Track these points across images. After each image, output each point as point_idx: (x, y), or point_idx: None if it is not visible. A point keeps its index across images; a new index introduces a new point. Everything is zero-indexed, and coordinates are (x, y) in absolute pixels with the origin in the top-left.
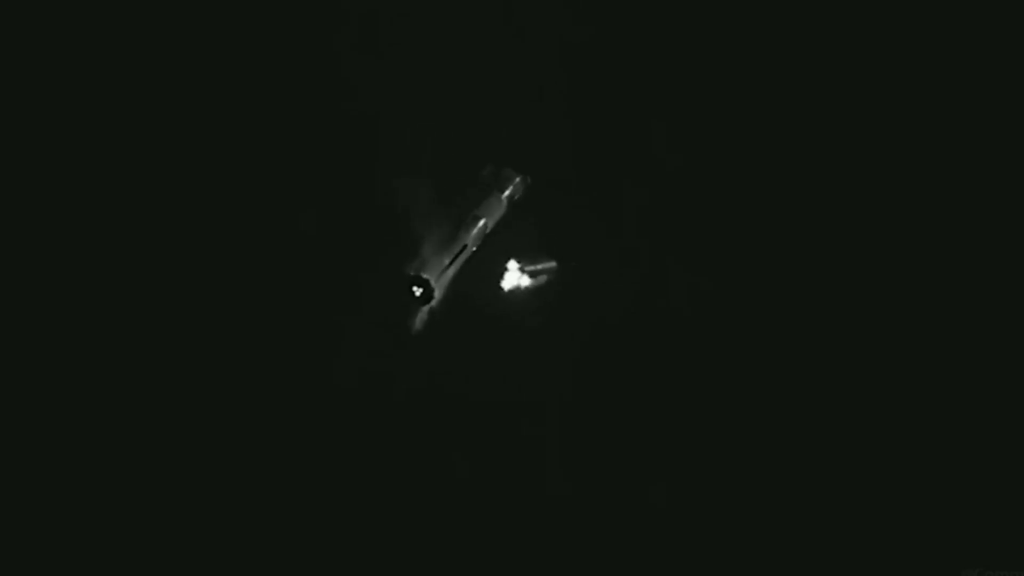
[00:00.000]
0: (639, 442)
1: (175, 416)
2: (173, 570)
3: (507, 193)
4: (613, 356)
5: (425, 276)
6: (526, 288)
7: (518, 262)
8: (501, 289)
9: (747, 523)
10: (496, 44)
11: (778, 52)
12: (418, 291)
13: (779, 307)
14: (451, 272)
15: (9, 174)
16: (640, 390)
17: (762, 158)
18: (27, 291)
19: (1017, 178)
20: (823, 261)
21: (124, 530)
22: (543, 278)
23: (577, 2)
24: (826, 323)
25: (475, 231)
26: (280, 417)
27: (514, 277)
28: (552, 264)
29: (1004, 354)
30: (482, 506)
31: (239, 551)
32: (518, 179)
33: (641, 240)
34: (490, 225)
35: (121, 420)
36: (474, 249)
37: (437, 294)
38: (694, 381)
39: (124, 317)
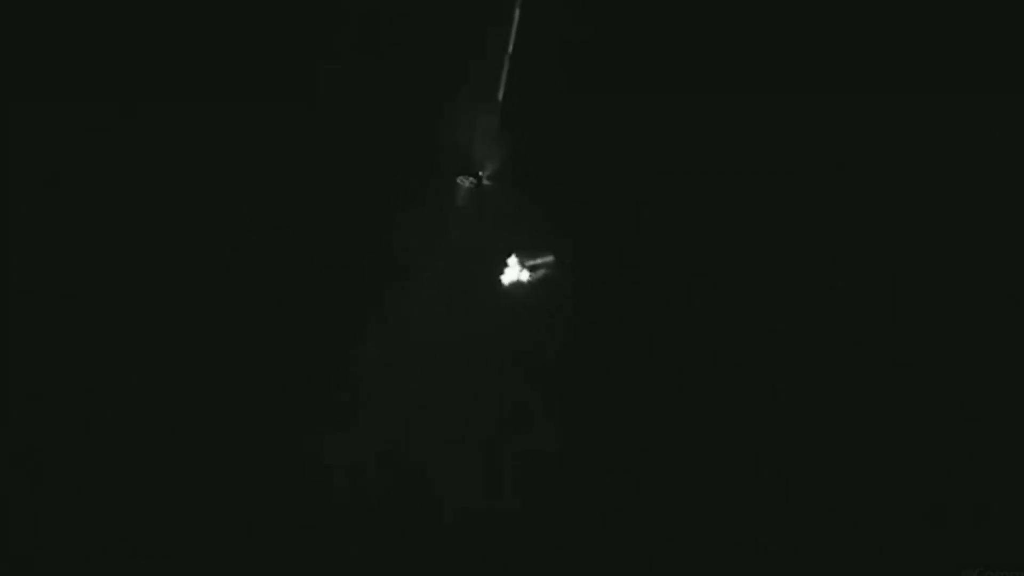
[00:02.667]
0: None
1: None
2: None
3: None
4: (609, 349)
5: (480, 174)
6: (526, 282)
7: (518, 257)
8: (501, 283)
9: (748, 523)
10: (496, 44)
11: (779, 52)
12: (467, 182)
13: (773, 303)
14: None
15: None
16: (634, 382)
17: (758, 156)
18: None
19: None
20: (820, 265)
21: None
22: (542, 272)
23: (577, 2)
24: (828, 324)
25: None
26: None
27: (514, 272)
28: (550, 259)
29: (1004, 354)
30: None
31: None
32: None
33: (638, 237)
34: None
35: (131, 417)
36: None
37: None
38: (686, 374)
39: (129, 316)
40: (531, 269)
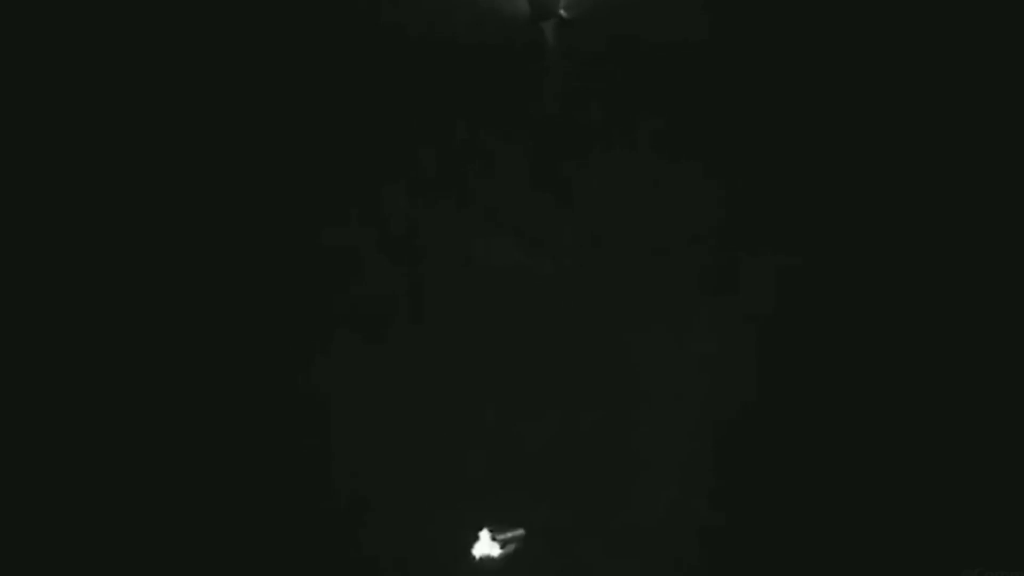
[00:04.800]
0: None
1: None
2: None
3: None
4: None
5: (562, 12)
6: (497, 557)
7: (490, 531)
8: (473, 556)
9: (747, 522)
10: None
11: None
12: (551, 24)
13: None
14: None
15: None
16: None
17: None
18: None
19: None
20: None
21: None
22: (513, 546)
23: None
24: (827, 323)
25: None
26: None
27: (485, 545)
28: (521, 532)
29: (1004, 354)
30: None
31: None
32: None
33: None
34: None
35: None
36: None
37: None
38: None
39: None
40: (502, 543)
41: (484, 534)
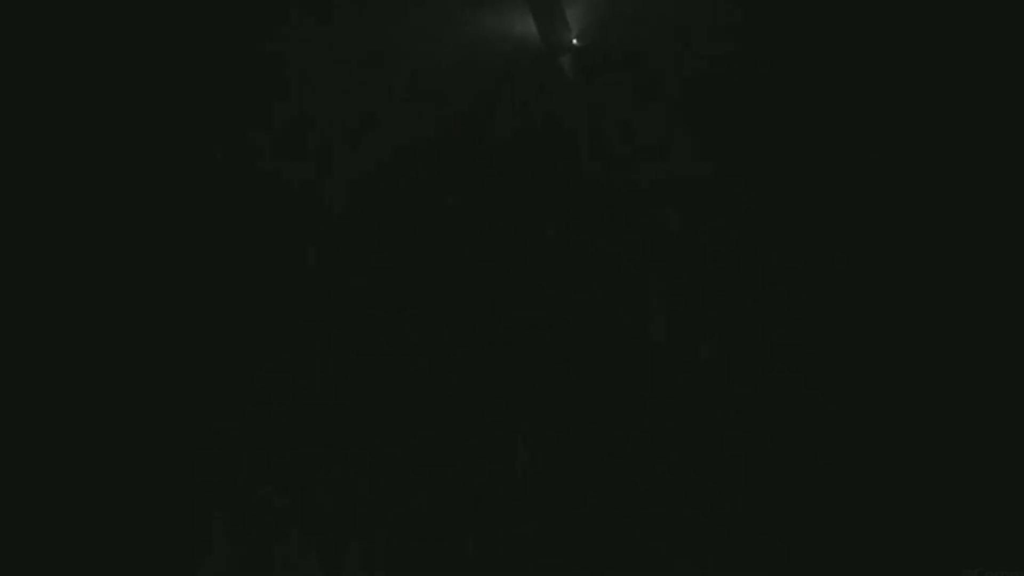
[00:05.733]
0: None
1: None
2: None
3: None
4: None
5: (574, 41)
6: None
7: None
8: None
9: (748, 523)
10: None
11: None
12: (565, 54)
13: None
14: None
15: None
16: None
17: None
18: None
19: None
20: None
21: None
22: None
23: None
24: (826, 322)
25: None
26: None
27: None
28: None
29: (1004, 354)
30: None
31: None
32: None
33: None
34: None
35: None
36: None
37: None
38: None
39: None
40: None
41: None
